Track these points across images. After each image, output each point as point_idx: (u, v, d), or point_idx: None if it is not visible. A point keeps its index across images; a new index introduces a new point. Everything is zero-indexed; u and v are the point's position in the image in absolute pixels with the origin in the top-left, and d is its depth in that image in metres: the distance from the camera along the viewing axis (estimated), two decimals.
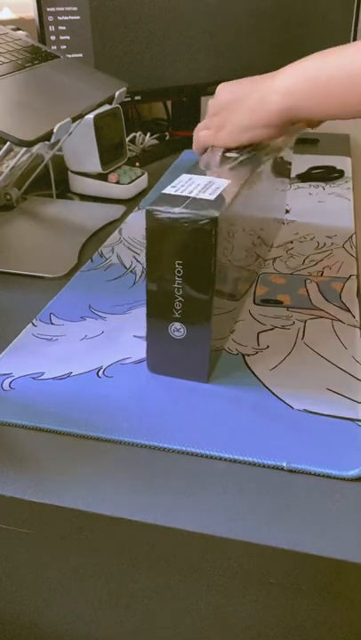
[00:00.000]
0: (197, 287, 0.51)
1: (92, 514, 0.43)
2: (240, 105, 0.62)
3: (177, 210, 0.49)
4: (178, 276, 0.51)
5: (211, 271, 0.50)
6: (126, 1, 1.05)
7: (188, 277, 0.51)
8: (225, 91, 0.65)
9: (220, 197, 0.51)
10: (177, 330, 0.53)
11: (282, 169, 0.77)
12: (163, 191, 0.52)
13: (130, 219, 0.89)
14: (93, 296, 0.69)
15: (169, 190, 0.52)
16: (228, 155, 0.63)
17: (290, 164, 0.84)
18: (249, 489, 0.45)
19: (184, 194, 0.51)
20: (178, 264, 0.50)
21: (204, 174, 0.57)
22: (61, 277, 0.74)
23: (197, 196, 0.51)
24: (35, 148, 0.90)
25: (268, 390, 0.54)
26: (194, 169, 0.58)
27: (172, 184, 0.53)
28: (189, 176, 0.55)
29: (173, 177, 1.06)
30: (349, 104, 0.55)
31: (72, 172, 0.98)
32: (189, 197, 0.51)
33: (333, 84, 0.55)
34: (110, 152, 0.96)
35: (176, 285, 0.51)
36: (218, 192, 0.52)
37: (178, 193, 0.52)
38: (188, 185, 0.53)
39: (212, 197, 0.51)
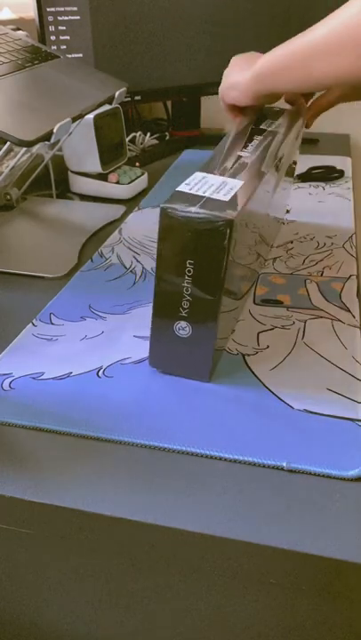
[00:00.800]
0: (206, 287, 0.51)
1: (92, 514, 0.43)
2: (237, 69, 0.74)
3: (193, 209, 0.49)
4: (188, 275, 0.51)
5: (221, 272, 0.50)
6: (126, 1, 1.05)
7: (197, 277, 0.50)
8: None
9: (234, 199, 0.51)
10: (182, 328, 0.53)
11: (288, 168, 0.77)
12: (177, 189, 0.52)
13: (130, 219, 0.89)
14: (93, 296, 0.69)
15: (183, 188, 0.52)
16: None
17: (295, 163, 0.84)
18: (249, 489, 0.45)
19: (198, 193, 0.51)
20: (189, 263, 0.50)
21: (217, 171, 0.57)
22: (61, 277, 0.74)
23: (212, 196, 0.51)
24: (35, 148, 0.90)
25: (268, 390, 0.54)
26: (209, 166, 0.58)
27: (186, 182, 0.53)
28: (203, 174, 0.55)
29: (173, 177, 1.06)
30: (296, 79, 0.63)
31: (72, 171, 0.98)
32: (204, 197, 0.51)
33: (284, 61, 0.64)
34: (110, 152, 0.96)
35: (185, 284, 0.51)
36: (232, 193, 0.52)
37: (192, 192, 0.51)
38: (202, 184, 0.53)
39: (227, 199, 0.51)
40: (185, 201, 0.50)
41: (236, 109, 0.76)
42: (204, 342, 0.53)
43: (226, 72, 0.75)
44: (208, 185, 0.53)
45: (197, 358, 0.54)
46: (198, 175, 0.55)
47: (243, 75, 0.71)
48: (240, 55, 0.75)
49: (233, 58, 0.75)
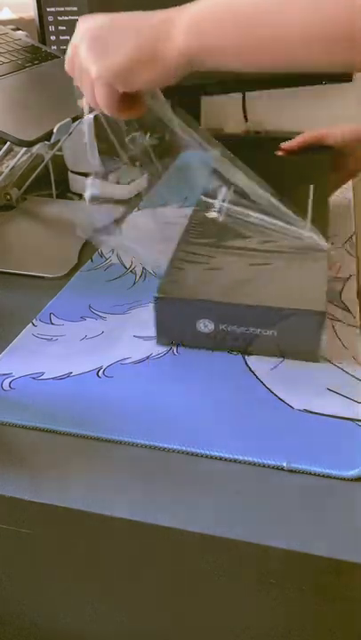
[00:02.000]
0: None
1: (92, 514, 0.43)
2: (125, 34, 0.46)
3: None
4: None
5: None
6: (126, 1, 1.05)
7: None
8: (95, 18, 0.47)
9: None
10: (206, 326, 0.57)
11: None
12: None
13: (130, 219, 0.89)
14: (93, 296, 0.69)
15: None
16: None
17: None
18: (249, 489, 0.45)
19: None
20: None
21: None
22: (61, 277, 0.74)
23: None
24: (35, 148, 0.89)
25: (269, 390, 0.54)
26: None
27: None
28: None
29: (174, 177, 1.05)
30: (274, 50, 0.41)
31: (72, 172, 0.98)
32: None
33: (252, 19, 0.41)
34: (110, 152, 0.96)
35: None
36: None
37: None
38: None
39: None
40: None
41: (128, 99, 0.48)
42: None
43: (96, 41, 0.46)
44: None
45: None
46: None
47: (153, 48, 0.43)
48: (100, 16, 0.44)
49: (82, 19, 0.46)
